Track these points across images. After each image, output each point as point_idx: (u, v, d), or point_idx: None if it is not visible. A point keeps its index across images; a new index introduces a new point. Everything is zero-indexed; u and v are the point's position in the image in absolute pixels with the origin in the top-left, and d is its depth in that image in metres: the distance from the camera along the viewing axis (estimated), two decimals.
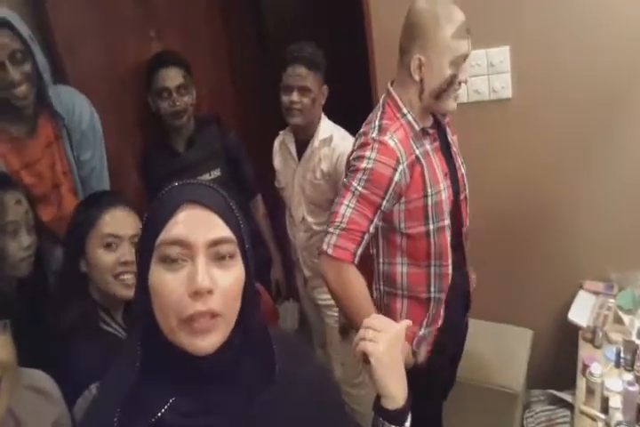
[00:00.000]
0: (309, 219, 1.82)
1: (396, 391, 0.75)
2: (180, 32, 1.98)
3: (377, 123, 1.24)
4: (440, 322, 1.35)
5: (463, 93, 1.79)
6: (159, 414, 0.63)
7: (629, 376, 1.37)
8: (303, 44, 1.71)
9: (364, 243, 1.20)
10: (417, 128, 1.24)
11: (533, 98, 1.75)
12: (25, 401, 0.85)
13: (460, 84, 1.24)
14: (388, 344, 0.74)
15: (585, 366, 1.45)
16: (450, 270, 1.31)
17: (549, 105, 1.74)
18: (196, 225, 0.63)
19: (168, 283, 0.61)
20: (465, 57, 1.22)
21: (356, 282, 1.20)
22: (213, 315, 0.62)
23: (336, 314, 1.85)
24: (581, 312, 1.71)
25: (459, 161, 1.38)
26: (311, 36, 1.78)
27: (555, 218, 1.84)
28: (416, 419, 0.76)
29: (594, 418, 1.33)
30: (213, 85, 2.15)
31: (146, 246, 0.64)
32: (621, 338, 1.52)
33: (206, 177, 1.89)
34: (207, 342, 0.62)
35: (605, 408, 1.32)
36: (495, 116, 1.82)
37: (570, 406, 1.65)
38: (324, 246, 1.19)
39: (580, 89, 1.68)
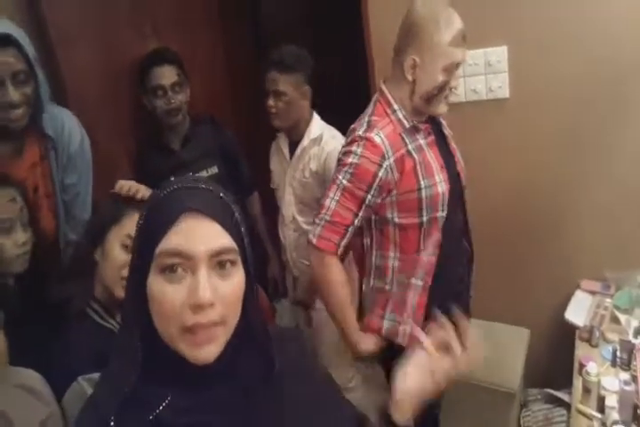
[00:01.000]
0: (299, 218, 1.82)
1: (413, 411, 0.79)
2: (176, 30, 1.97)
3: (366, 119, 1.26)
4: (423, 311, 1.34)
5: (460, 92, 1.79)
6: (157, 412, 0.62)
7: (626, 376, 1.37)
8: (282, 47, 1.71)
9: (348, 235, 1.25)
10: (407, 125, 1.26)
11: (531, 98, 1.75)
12: (15, 400, 0.85)
13: (450, 89, 1.25)
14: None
15: (581, 366, 1.45)
16: (434, 260, 1.31)
17: (547, 105, 1.73)
18: (198, 235, 0.61)
19: (168, 294, 0.61)
20: (458, 65, 1.23)
21: (335, 270, 1.28)
22: (215, 324, 0.62)
23: (323, 318, 1.85)
24: (578, 312, 1.71)
25: (457, 154, 1.39)
26: (309, 40, 1.79)
27: (552, 217, 1.84)
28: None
29: (590, 417, 1.33)
30: (210, 85, 2.14)
31: (144, 252, 0.63)
32: (618, 338, 1.52)
33: (203, 174, 1.88)
34: (207, 352, 0.62)
35: (602, 408, 1.32)
36: (492, 116, 1.82)
37: (567, 406, 1.65)
38: (310, 236, 1.27)
39: (577, 89, 1.68)
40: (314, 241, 1.26)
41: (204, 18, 2.13)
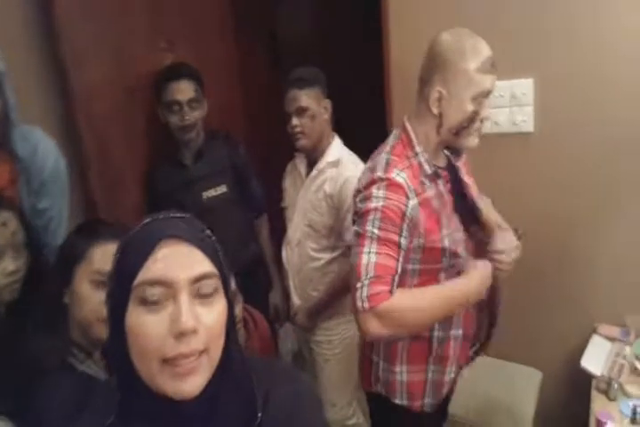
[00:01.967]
0: (305, 242, 1.75)
1: None
2: (191, 45, 1.94)
3: (384, 157, 1.16)
4: (450, 361, 1.26)
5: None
6: None
7: None
8: (295, 69, 1.70)
9: (395, 284, 1.07)
10: (428, 171, 1.16)
11: (556, 133, 1.69)
12: None
13: (482, 121, 1.16)
14: None
15: (599, 423, 1.36)
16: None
17: (572, 141, 1.67)
18: (178, 262, 0.60)
19: (149, 325, 0.58)
20: (488, 93, 1.14)
21: (399, 305, 1.04)
22: (198, 354, 0.59)
23: (326, 352, 1.77)
24: (595, 359, 1.62)
25: (476, 202, 1.31)
26: (325, 64, 1.76)
27: (571, 257, 1.76)
28: None
29: None
30: (224, 103, 2.10)
31: (122, 286, 0.60)
32: (638, 391, 1.44)
33: (211, 193, 1.84)
34: (191, 385, 0.58)
35: None
36: (515, 151, 1.76)
37: None
38: (358, 303, 1.04)
39: (605, 126, 1.62)
40: (365, 305, 1.03)
41: (218, 33, 2.10)
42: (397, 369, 1.26)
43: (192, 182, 1.81)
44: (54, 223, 1.37)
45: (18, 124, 1.27)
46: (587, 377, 1.59)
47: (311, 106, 1.66)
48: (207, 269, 0.62)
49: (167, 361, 0.58)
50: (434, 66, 1.14)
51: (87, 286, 0.97)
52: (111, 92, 1.66)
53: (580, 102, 1.63)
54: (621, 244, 1.69)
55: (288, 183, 1.89)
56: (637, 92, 1.55)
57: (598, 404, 1.47)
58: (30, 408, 0.88)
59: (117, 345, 0.61)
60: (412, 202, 1.11)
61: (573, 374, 1.75)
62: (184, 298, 0.59)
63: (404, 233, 1.10)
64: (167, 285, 0.59)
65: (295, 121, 1.66)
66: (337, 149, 1.72)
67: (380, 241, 1.07)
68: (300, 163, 1.82)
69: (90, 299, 0.96)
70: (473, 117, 1.14)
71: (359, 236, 1.10)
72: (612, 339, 1.70)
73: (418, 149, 1.17)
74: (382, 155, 1.17)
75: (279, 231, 1.90)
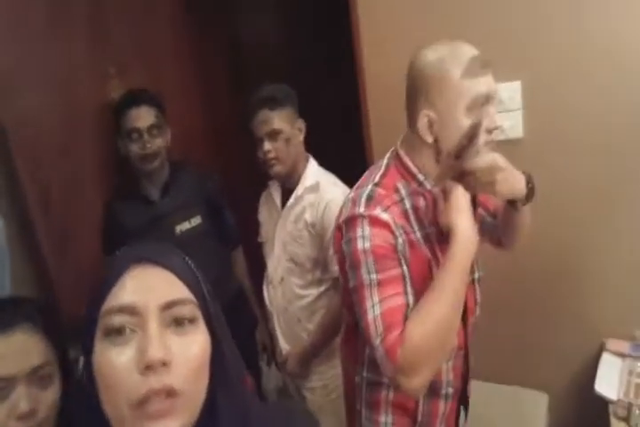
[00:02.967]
0: (289, 279, 1.59)
1: None
2: (144, 69, 1.77)
3: (369, 189, 1.01)
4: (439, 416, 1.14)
5: None
6: None
7: None
8: (266, 85, 1.56)
9: (408, 314, 0.93)
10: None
11: (547, 139, 1.57)
12: None
13: (490, 132, 0.99)
14: None
15: None
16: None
17: (564, 147, 1.56)
18: (147, 287, 0.54)
19: (114, 360, 0.51)
20: (486, 98, 0.97)
21: (419, 333, 0.88)
22: (170, 393, 0.50)
23: (320, 399, 1.62)
24: (607, 381, 1.51)
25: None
26: (297, 82, 1.61)
27: (573, 270, 1.65)
28: None
29: None
30: (186, 128, 1.95)
31: (89, 319, 0.55)
32: None
33: (185, 225, 1.71)
34: None
35: None
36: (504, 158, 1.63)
37: None
38: (377, 354, 0.92)
39: (599, 131, 1.51)
40: (389, 367, 0.90)
41: (172, 54, 1.93)
42: (382, 420, 1.13)
43: (161, 218, 1.67)
44: None
45: None
46: (600, 400, 1.48)
47: (285, 128, 1.52)
48: (181, 295, 0.55)
49: (139, 404, 0.50)
50: (416, 89, 1.01)
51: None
52: (51, 126, 1.48)
53: (572, 106, 1.52)
54: (625, 255, 1.58)
55: (264, 216, 1.74)
56: (633, 95, 1.45)
57: None
58: None
59: (89, 391, 0.54)
60: (400, 239, 0.98)
61: (581, 394, 1.65)
62: (153, 326, 0.52)
63: (402, 261, 0.97)
64: (133, 312, 0.53)
65: (268, 146, 1.51)
66: (313, 172, 1.59)
67: (381, 284, 0.93)
68: (275, 191, 1.67)
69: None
70: (472, 132, 0.96)
71: (356, 290, 0.96)
72: (622, 355, 1.60)
73: (420, 177, 1.05)
74: (368, 187, 1.03)
75: (257, 267, 1.75)
